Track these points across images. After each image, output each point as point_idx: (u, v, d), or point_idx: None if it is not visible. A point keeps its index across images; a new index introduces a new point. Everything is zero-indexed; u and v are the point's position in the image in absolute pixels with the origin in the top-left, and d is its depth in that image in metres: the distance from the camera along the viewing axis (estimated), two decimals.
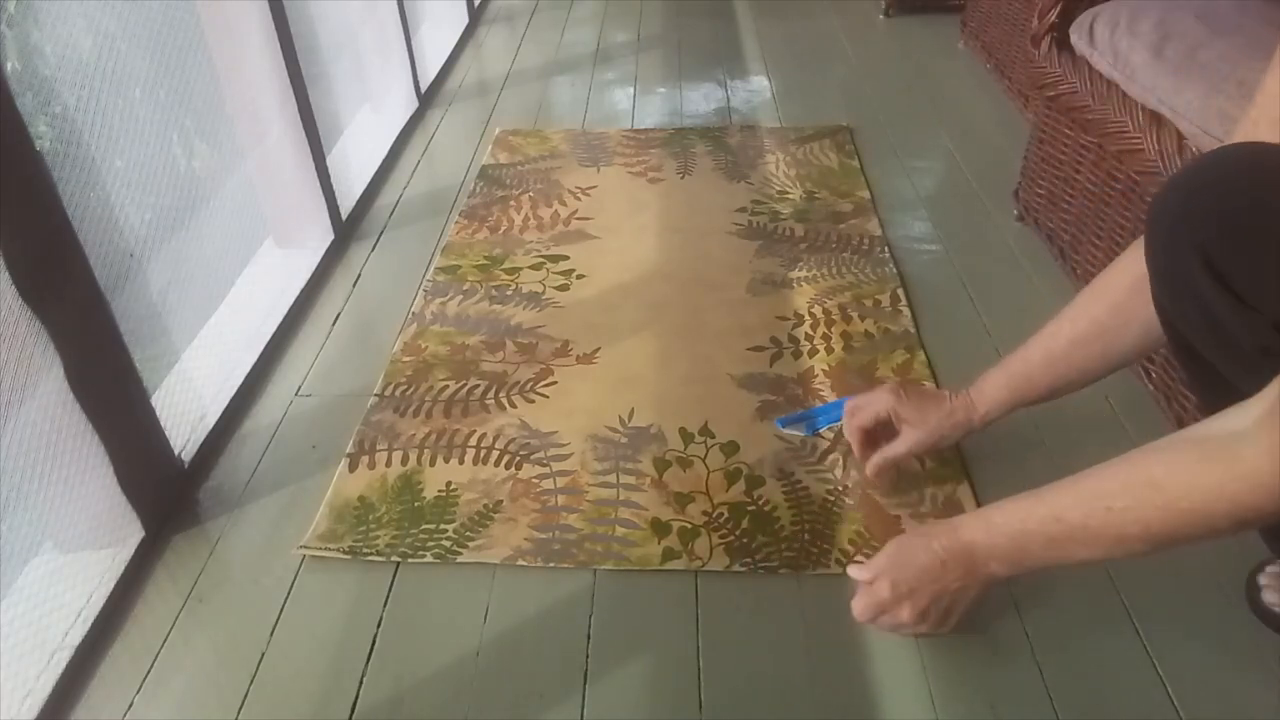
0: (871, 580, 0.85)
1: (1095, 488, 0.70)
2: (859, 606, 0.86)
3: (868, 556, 0.96)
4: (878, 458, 1.01)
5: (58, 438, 0.88)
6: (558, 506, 1.03)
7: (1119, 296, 0.85)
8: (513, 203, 1.66)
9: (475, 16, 2.62)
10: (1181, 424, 1.09)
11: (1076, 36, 1.33)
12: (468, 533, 1.00)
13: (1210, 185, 0.67)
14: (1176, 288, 0.70)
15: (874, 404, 1.01)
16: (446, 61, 2.31)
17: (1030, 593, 0.93)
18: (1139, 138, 1.15)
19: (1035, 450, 1.10)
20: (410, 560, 0.98)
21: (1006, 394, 0.95)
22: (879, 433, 1.02)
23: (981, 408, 0.97)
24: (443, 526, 1.01)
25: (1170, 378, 1.11)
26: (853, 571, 0.88)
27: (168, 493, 1.05)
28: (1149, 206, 0.71)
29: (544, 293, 1.41)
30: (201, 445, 1.11)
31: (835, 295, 1.38)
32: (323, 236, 1.52)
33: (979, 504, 1.02)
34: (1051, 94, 1.40)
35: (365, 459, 1.10)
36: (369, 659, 0.88)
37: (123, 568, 0.96)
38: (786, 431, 1.11)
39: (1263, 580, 0.90)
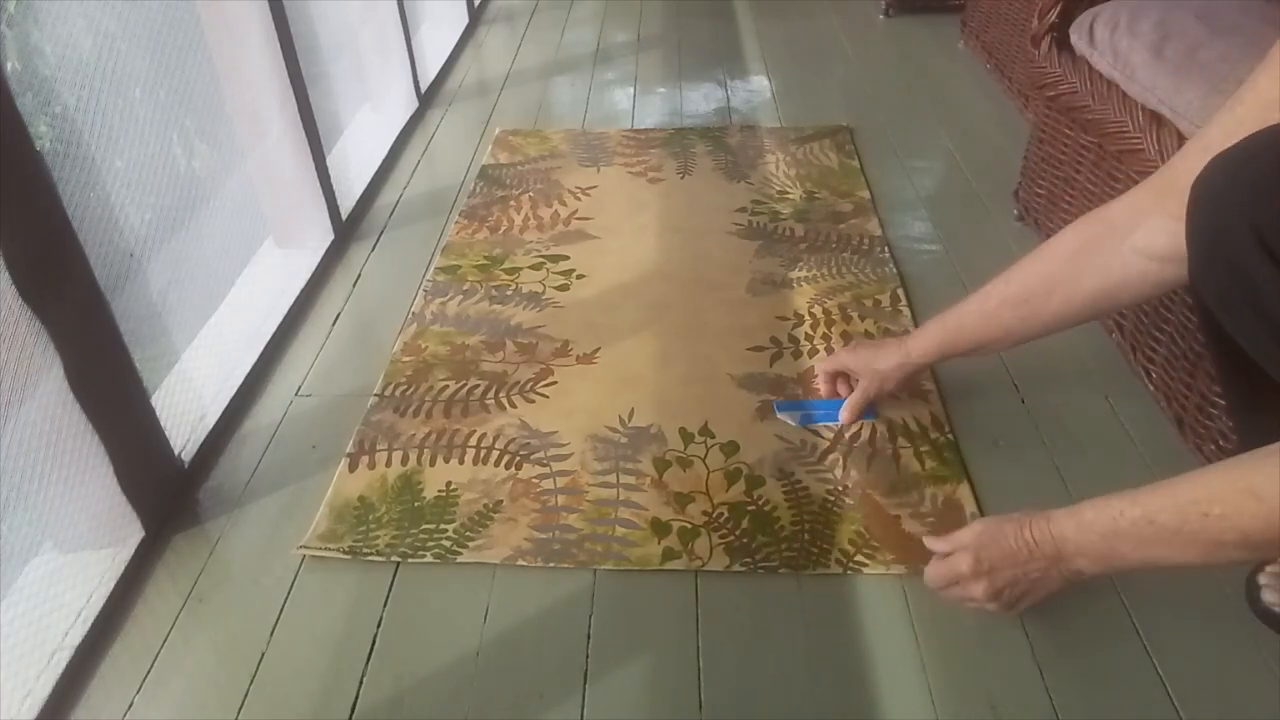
0: (950, 552, 0.87)
1: (1192, 493, 0.69)
2: (933, 574, 0.89)
3: (868, 556, 0.96)
4: (845, 409, 1.14)
5: (58, 438, 0.88)
6: (558, 506, 1.03)
7: (1051, 266, 0.92)
8: (513, 203, 1.66)
9: (475, 16, 2.62)
10: (1181, 424, 1.09)
11: (1076, 36, 1.33)
12: (468, 533, 1.00)
13: (1266, 162, 0.66)
14: (1220, 267, 0.69)
15: (836, 357, 1.17)
16: (446, 61, 2.31)
17: None
18: (1139, 138, 1.15)
19: (1036, 450, 1.10)
20: (410, 560, 0.98)
21: (936, 343, 1.06)
22: (843, 383, 1.17)
23: (915, 352, 1.08)
24: (443, 526, 1.01)
25: (1170, 378, 1.11)
26: (930, 543, 0.90)
27: (168, 493, 1.05)
28: (1194, 186, 0.70)
29: (544, 293, 1.41)
30: (201, 445, 1.11)
31: (835, 295, 1.38)
32: (323, 236, 1.52)
33: (979, 504, 1.02)
34: (1051, 94, 1.40)
35: (365, 459, 1.10)
36: (369, 659, 0.88)
37: (123, 568, 0.96)
38: (782, 416, 1.15)
39: (1262, 580, 0.90)
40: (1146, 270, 0.84)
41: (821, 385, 1.18)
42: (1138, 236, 0.83)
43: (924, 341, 1.07)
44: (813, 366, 1.23)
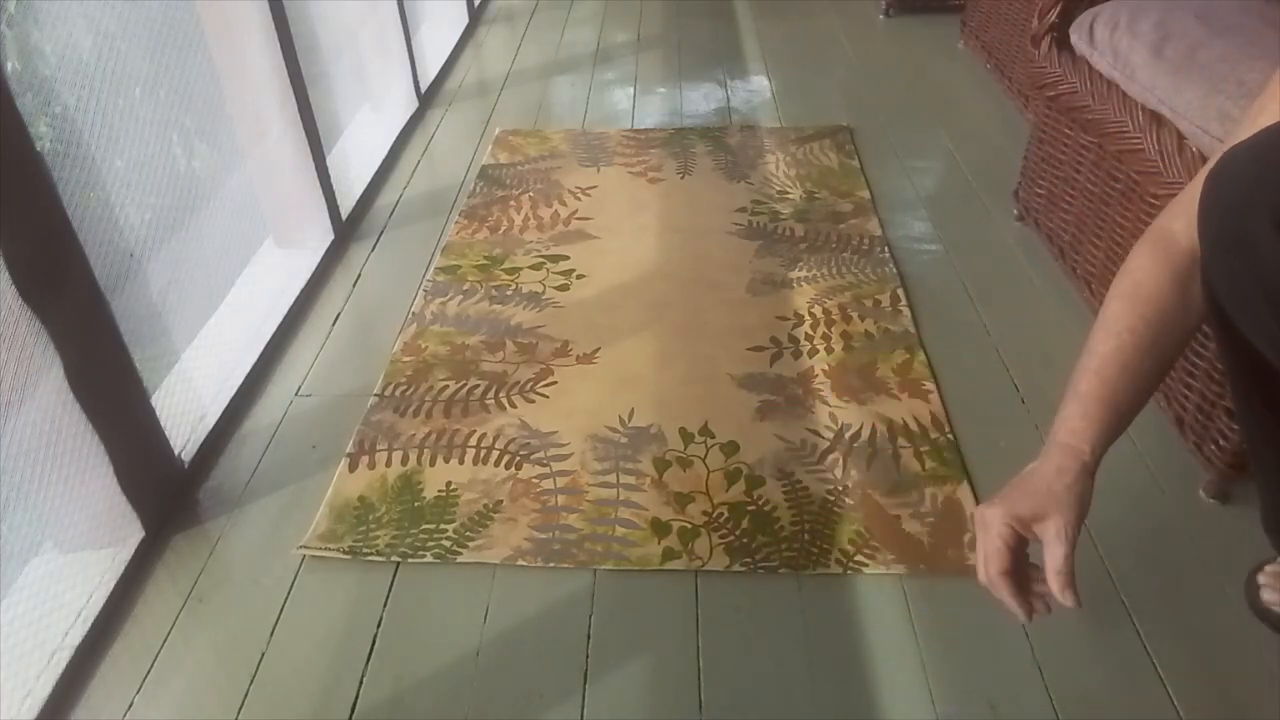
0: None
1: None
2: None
3: (868, 556, 0.96)
4: (1055, 580, 0.71)
5: (58, 438, 0.88)
6: (558, 506, 1.03)
7: (1160, 304, 0.77)
8: (513, 203, 1.66)
9: (475, 16, 2.62)
10: (1181, 424, 1.09)
11: (1076, 36, 1.33)
12: (468, 533, 1.00)
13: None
14: (1234, 252, 0.69)
15: (990, 539, 0.75)
16: (446, 61, 2.31)
17: None
18: (1139, 138, 1.15)
19: (1036, 450, 1.10)
20: (410, 560, 0.98)
21: (1104, 428, 0.80)
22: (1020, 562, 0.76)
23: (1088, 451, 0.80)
24: (443, 526, 1.01)
25: (1170, 378, 1.11)
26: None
27: (168, 493, 1.05)
28: (1209, 175, 0.69)
29: (544, 293, 1.41)
30: (201, 445, 1.11)
31: (835, 295, 1.38)
32: (323, 236, 1.52)
33: (979, 504, 1.02)
34: (1051, 94, 1.40)
35: (365, 459, 1.10)
36: (369, 659, 0.88)
37: (123, 568, 0.96)
38: None
39: (1262, 580, 0.90)
40: None
41: (1013, 601, 0.72)
42: None
43: (1091, 431, 0.79)
44: (812, 366, 1.23)
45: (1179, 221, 0.79)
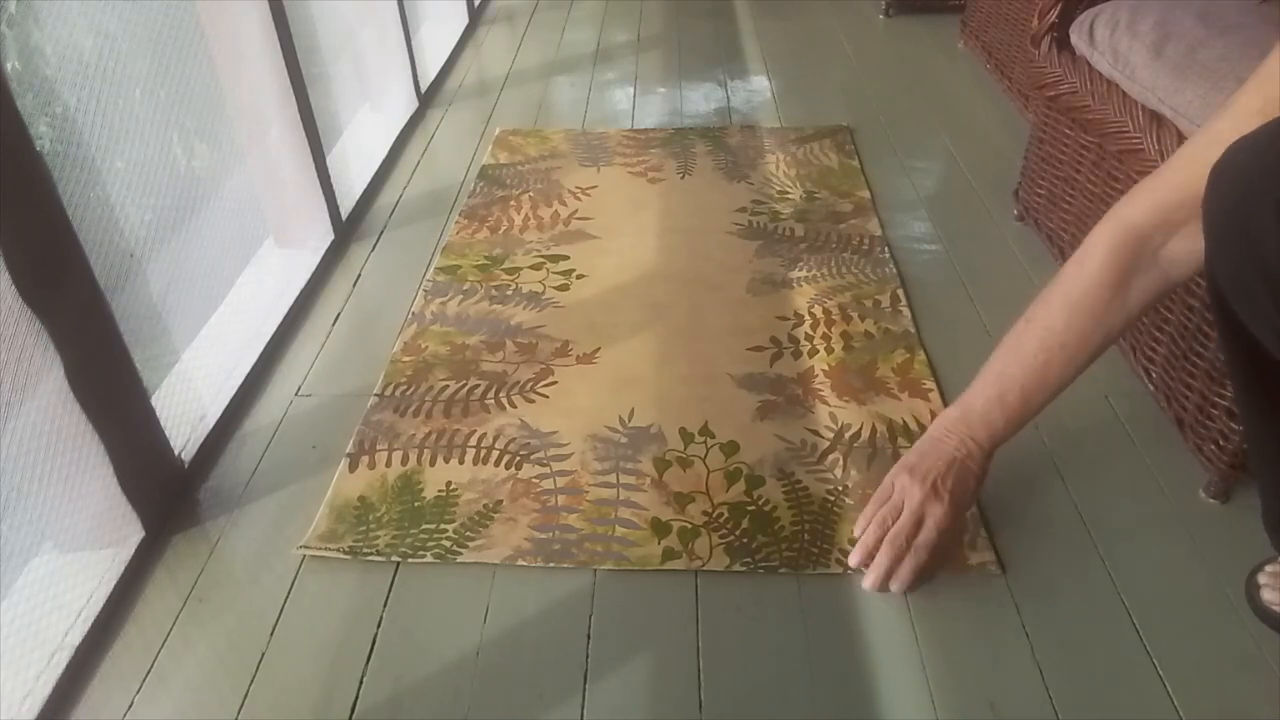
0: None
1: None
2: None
3: None
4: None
5: (58, 438, 0.88)
6: (558, 506, 1.03)
7: (1100, 302, 0.86)
8: (513, 203, 1.66)
9: (475, 16, 2.62)
10: (1181, 424, 1.09)
11: (1076, 36, 1.33)
12: (468, 533, 1.00)
13: None
14: (1238, 245, 0.69)
15: (912, 514, 0.92)
16: (446, 61, 2.31)
17: (1031, 592, 0.93)
18: (1139, 138, 1.15)
19: (1035, 449, 1.10)
20: (410, 560, 0.98)
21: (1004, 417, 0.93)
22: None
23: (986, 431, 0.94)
24: (443, 526, 1.01)
25: (1170, 378, 1.11)
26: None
27: (168, 493, 1.05)
28: (1213, 169, 0.70)
29: (544, 293, 1.41)
30: (201, 445, 1.11)
31: (835, 295, 1.38)
32: (323, 236, 1.52)
33: (979, 504, 1.02)
34: (1051, 94, 1.40)
35: (365, 459, 1.10)
36: (369, 659, 0.88)
37: (123, 568, 0.96)
38: None
39: (1262, 580, 0.90)
40: (1171, 275, 0.84)
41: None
42: (1178, 242, 0.82)
43: (1008, 434, 0.93)
44: (812, 366, 1.23)
45: (1139, 211, 0.84)
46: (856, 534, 0.94)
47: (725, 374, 1.23)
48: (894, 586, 0.91)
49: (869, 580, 0.91)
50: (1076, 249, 0.89)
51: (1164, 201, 0.81)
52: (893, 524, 0.91)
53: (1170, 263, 0.83)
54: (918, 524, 0.91)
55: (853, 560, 0.94)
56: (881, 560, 0.91)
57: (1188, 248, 0.81)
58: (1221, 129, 0.75)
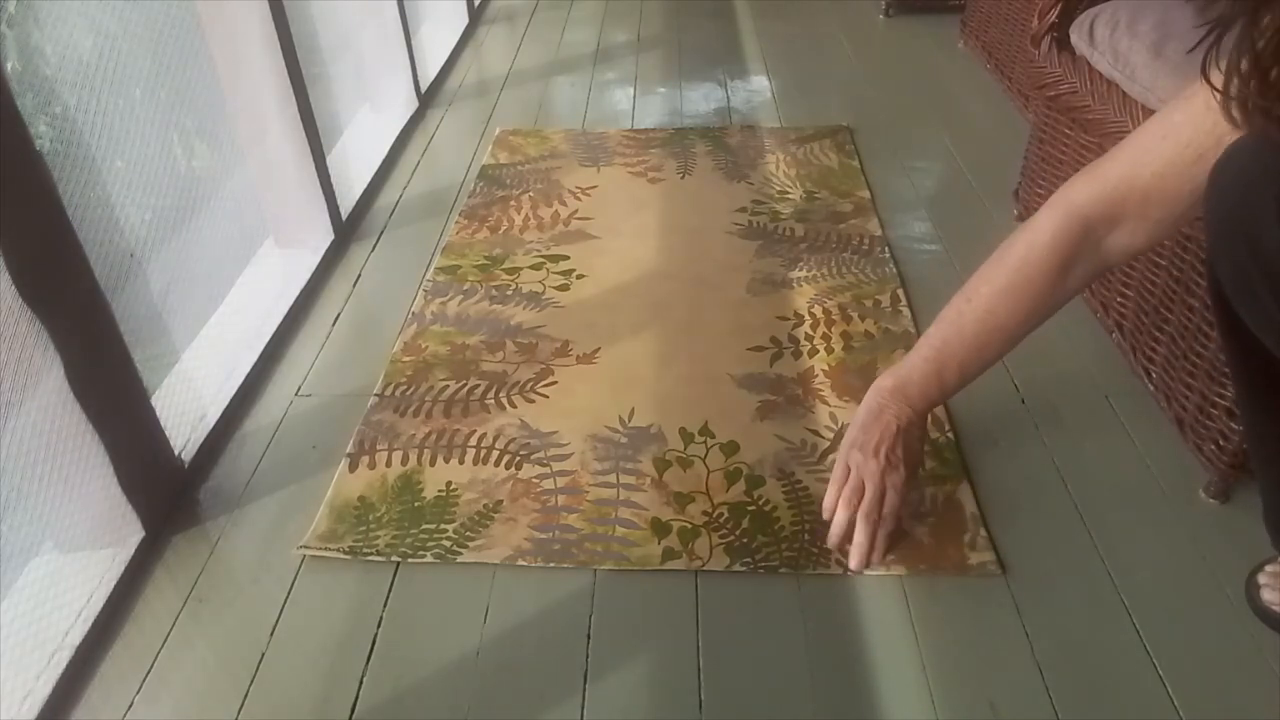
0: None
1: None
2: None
3: None
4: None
5: (58, 438, 0.88)
6: (558, 506, 1.03)
7: (1041, 285, 0.89)
8: (513, 203, 1.66)
9: (475, 16, 2.62)
10: (1181, 424, 1.09)
11: (1076, 36, 1.33)
12: (468, 533, 1.00)
13: None
14: (1239, 242, 0.69)
15: (874, 489, 0.96)
16: (446, 61, 2.31)
17: (1031, 592, 0.93)
18: None
19: (1036, 450, 1.10)
20: (410, 560, 0.98)
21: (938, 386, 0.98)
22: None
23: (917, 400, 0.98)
24: (443, 526, 1.01)
25: (1170, 378, 1.11)
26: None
27: (168, 493, 1.05)
28: (1214, 168, 0.71)
29: (544, 293, 1.41)
30: (201, 445, 1.11)
31: (835, 295, 1.38)
32: (323, 236, 1.52)
33: (979, 504, 1.02)
34: (1051, 94, 1.40)
35: (365, 459, 1.10)
36: (369, 659, 0.88)
37: (123, 568, 0.96)
38: None
39: (1262, 580, 0.90)
40: (1107, 262, 0.88)
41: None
42: (1117, 236, 0.84)
43: (940, 401, 0.99)
44: (812, 366, 1.23)
45: (1088, 199, 0.85)
46: (826, 517, 0.97)
47: (725, 374, 1.23)
48: (874, 558, 0.95)
49: (854, 560, 0.94)
50: (1017, 230, 0.91)
51: (1111, 194, 0.83)
52: (858, 501, 0.94)
53: (1108, 252, 0.86)
54: (882, 495, 0.94)
55: (831, 542, 0.96)
56: (861, 539, 0.94)
57: (1125, 244, 0.85)
58: (1177, 120, 0.77)
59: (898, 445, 0.95)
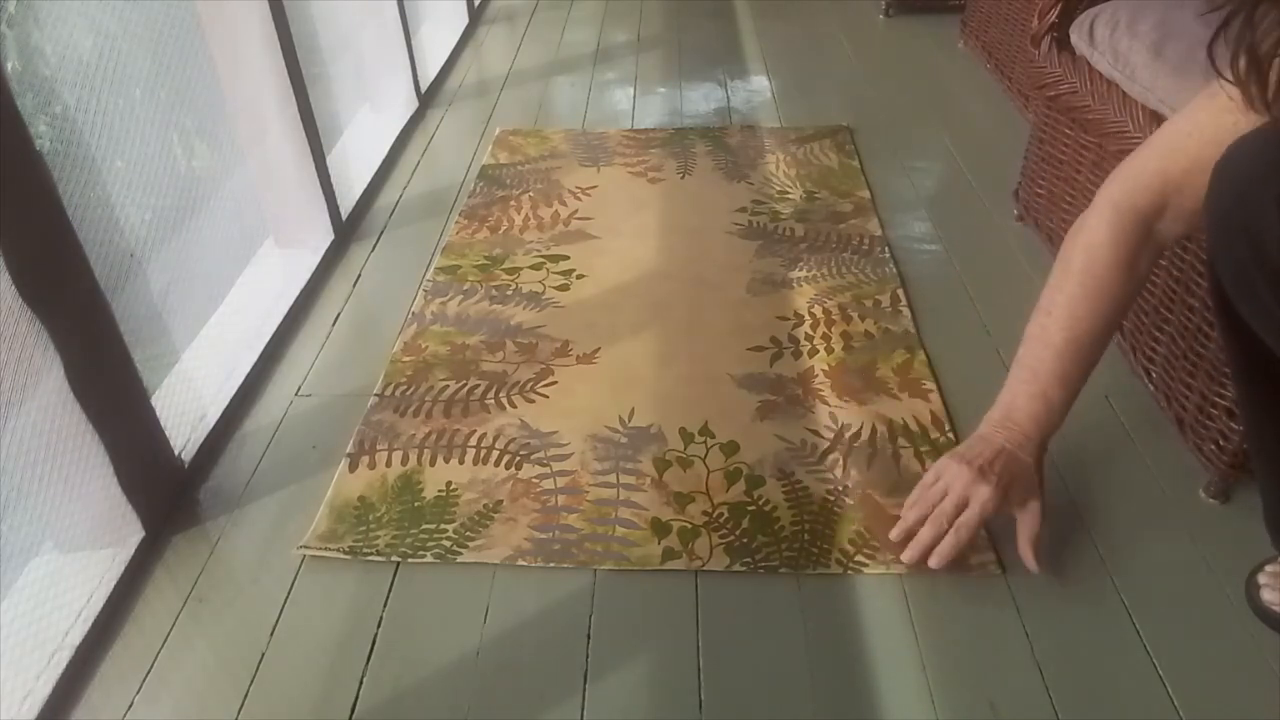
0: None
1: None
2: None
3: (868, 556, 0.96)
4: (1032, 550, 0.93)
5: (58, 438, 0.88)
6: (558, 506, 1.03)
7: (1117, 288, 0.89)
8: (513, 203, 1.66)
9: (475, 16, 2.62)
10: (1181, 424, 1.09)
11: (1076, 36, 1.33)
12: (468, 533, 1.00)
13: None
14: (1239, 237, 0.69)
15: (974, 518, 0.92)
16: (446, 61, 2.31)
17: (1031, 592, 0.93)
18: (1139, 138, 1.15)
19: None
20: (410, 560, 0.98)
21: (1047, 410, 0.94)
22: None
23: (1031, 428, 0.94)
24: (443, 526, 1.01)
25: (1170, 378, 1.11)
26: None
27: (168, 493, 1.05)
28: (1217, 164, 0.71)
29: (544, 293, 1.41)
30: (201, 445, 1.11)
31: (835, 295, 1.38)
32: (323, 236, 1.52)
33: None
34: (1051, 94, 1.40)
35: (365, 459, 1.10)
36: (369, 659, 0.88)
37: (123, 568, 0.96)
38: None
39: (1262, 580, 0.90)
40: (1165, 245, 0.90)
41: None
42: (1165, 223, 0.86)
43: (1056, 421, 0.93)
44: (812, 366, 1.23)
45: (1134, 195, 0.87)
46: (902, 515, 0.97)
47: (725, 374, 1.23)
48: (932, 562, 0.92)
49: (908, 554, 0.94)
50: (1068, 238, 0.91)
51: (1150, 184, 0.85)
52: (934, 503, 0.93)
53: (1163, 237, 0.88)
54: (961, 504, 0.92)
55: (893, 535, 0.96)
56: (923, 536, 0.93)
57: (1173, 229, 0.87)
58: (1201, 119, 0.78)
59: (998, 462, 0.91)
